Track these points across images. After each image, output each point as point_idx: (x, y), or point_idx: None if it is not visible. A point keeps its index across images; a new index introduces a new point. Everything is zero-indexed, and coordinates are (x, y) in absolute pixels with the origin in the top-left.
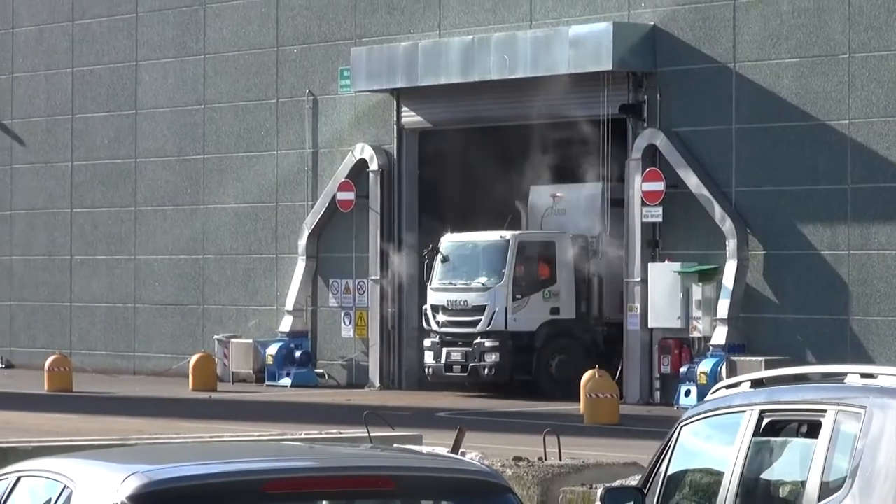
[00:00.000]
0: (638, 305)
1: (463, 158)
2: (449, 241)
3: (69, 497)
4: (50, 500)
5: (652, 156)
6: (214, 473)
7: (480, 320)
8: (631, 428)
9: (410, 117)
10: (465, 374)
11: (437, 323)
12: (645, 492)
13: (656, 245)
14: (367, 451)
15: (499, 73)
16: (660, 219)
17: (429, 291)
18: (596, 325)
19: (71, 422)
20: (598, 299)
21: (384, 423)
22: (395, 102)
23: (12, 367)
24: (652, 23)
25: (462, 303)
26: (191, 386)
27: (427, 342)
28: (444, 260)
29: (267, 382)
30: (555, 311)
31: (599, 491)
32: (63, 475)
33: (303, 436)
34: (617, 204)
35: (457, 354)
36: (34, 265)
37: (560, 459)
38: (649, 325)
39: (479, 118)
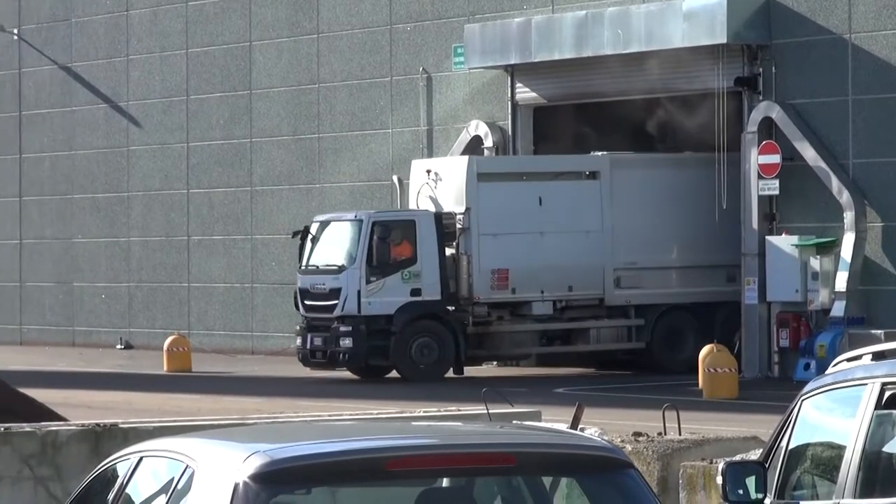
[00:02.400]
0: (755, 279)
1: (577, 133)
2: (317, 220)
3: (191, 476)
4: (172, 479)
5: (768, 129)
6: (335, 452)
7: (336, 304)
8: (750, 402)
9: (524, 93)
10: (325, 361)
11: (304, 307)
12: (766, 466)
13: (773, 218)
14: (487, 428)
15: (612, 47)
16: (776, 192)
17: (298, 274)
18: (466, 305)
19: (190, 402)
20: (468, 278)
21: (502, 400)
22: (509, 79)
23: (132, 348)
24: None
25: (321, 286)
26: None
27: (297, 327)
28: (314, 241)
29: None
30: (416, 292)
31: (720, 465)
32: (185, 455)
33: (422, 413)
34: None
35: (318, 340)
36: (152, 246)
37: (680, 434)
38: (767, 299)
39: (593, 93)
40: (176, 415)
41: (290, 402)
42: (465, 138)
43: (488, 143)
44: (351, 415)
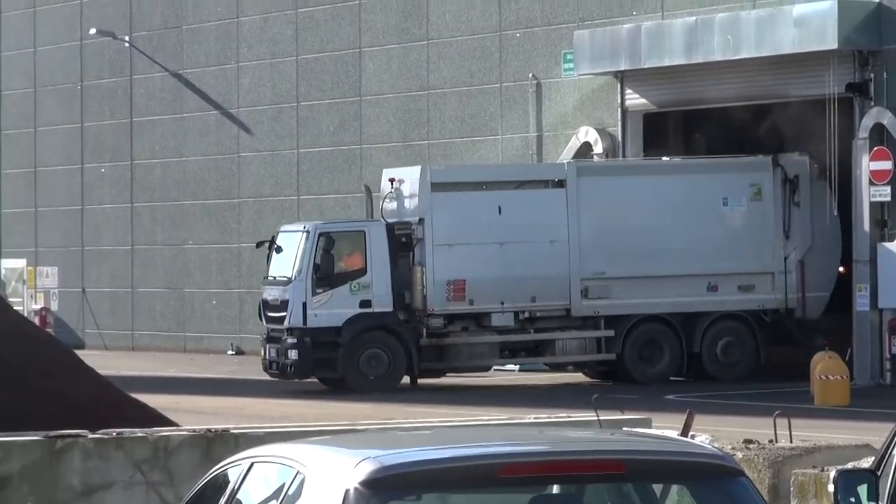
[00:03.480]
0: (867, 286)
1: (687, 139)
2: (280, 231)
3: (302, 482)
4: (283, 485)
5: (879, 135)
6: (446, 458)
7: (286, 316)
8: (862, 410)
9: (634, 99)
10: (278, 372)
11: (265, 318)
12: (878, 474)
13: (885, 225)
14: (598, 435)
15: (722, 53)
16: (888, 198)
17: (262, 285)
18: (422, 317)
19: (300, 407)
20: (422, 289)
21: (613, 407)
22: (618, 85)
23: (242, 354)
24: (877, 0)
25: (275, 298)
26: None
27: (260, 337)
28: (279, 251)
29: (495, 367)
30: (365, 303)
31: (832, 473)
32: (295, 461)
33: (532, 420)
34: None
35: (273, 351)
36: (262, 252)
37: (791, 442)
38: (879, 306)
39: (703, 99)
40: (286, 420)
41: (399, 407)
42: (574, 144)
43: (598, 149)
44: (461, 421)
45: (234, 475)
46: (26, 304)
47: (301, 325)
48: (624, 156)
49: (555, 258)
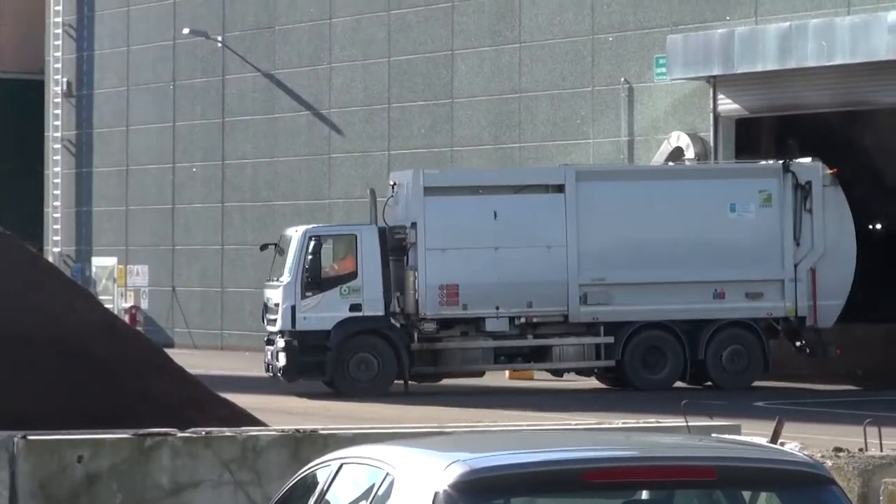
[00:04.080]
0: None
1: (779, 146)
2: (285, 233)
3: (391, 484)
4: (372, 486)
5: None
6: (535, 462)
7: (277, 319)
8: None
9: (726, 104)
10: (271, 375)
11: (266, 320)
12: None
13: None
14: (687, 441)
15: (816, 59)
16: None
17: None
18: (415, 322)
19: (389, 409)
20: (414, 294)
21: (702, 413)
22: (711, 90)
23: None
24: None
25: (271, 300)
26: (507, 374)
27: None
28: (281, 253)
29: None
30: (355, 307)
31: None
32: (385, 462)
33: (620, 424)
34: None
35: (269, 354)
36: None
37: (881, 450)
38: None
39: (796, 105)
40: (374, 422)
41: (488, 411)
42: (666, 149)
43: (689, 154)
44: (550, 425)
45: (323, 476)
46: (116, 302)
47: (290, 328)
48: (716, 160)
49: (552, 263)
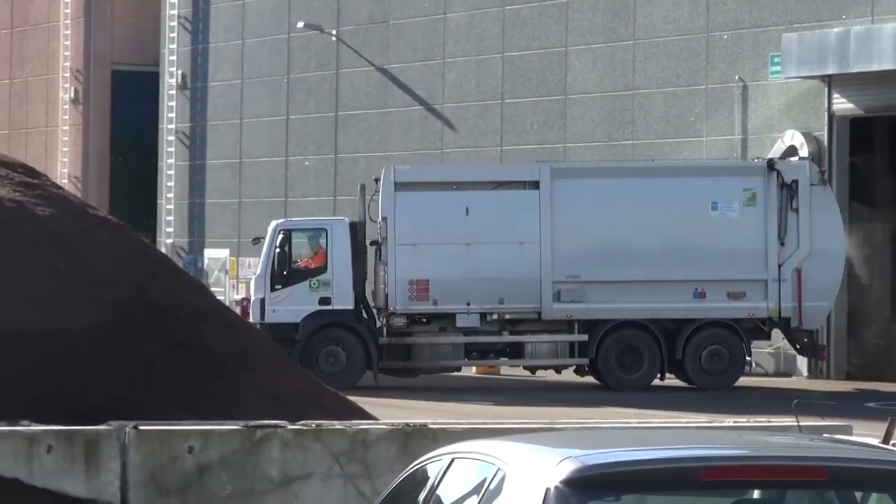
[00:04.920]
0: None
1: (894, 146)
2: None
3: (502, 479)
4: (483, 481)
5: None
6: (648, 459)
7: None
8: None
9: (841, 104)
10: None
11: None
12: None
13: None
14: (798, 441)
15: None
16: None
17: None
18: (384, 316)
19: (497, 405)
20: (384, 288)
21: (813, 413)
22: (826, 89)
23: None
24: None
25: (250, 293)
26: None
27: None
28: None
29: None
30: (325, 301)
31: None
32: (496, 457)
33: (731, 423)
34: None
35: None
36: None
37: None
38: None
39: None
40: (485, 417)
41: (597, 408)
42: (779, 148)
43: (803, 153)
44: (660, 423)
45: (434, 471)
46: (228, 294)
47: (260, 320)
48: (830, 161)
49: (525, 260)
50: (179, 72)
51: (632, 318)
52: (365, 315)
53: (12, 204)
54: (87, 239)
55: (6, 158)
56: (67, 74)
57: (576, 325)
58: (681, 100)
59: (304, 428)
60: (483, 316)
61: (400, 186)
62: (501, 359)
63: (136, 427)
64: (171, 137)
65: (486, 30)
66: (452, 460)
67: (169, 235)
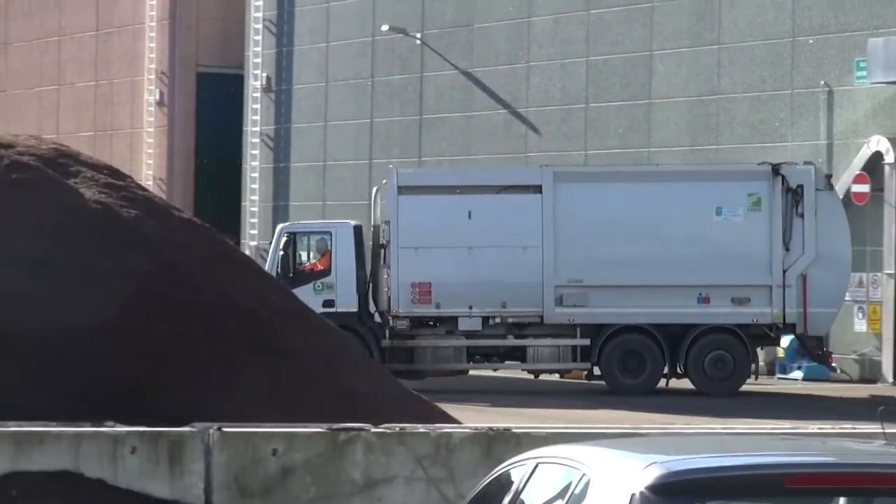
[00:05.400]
0: None
1: None
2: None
3: (587, 484)
4: (567, 486)
5: None
6: (733, 466)
7: None
8: None
9: None
10: None
11: None
12: None
13: None
14: (884, 449)
15: None
16: None
17: None
18: (387, 319)
19: (581, 409)
20: (387, 291)
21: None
22: None
23: None
24: None
25: None
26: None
27: None
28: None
29: (778, 375)
30: (328, 303)
31: None
32: (581, 462)
33: (815, 430)
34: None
35: None
36: None
37: None
38: None
39: None
40: (567, 422)
41: (680, 415)
42: (865, 154)
43: (889, 158)
44: (744, 429)
45: (518, 475)
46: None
47: None
48: None
49: (527, 264)
50: (264, 74)
51: (634, 323)
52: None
53: (98, 206)
54: (171, 241)
55: (92, 160)
56: (152, 76)
57: (578, 330)
58: (766, 105)
59: (388, 431)
60: (486, 319)
61: (403, 190)
62: (506, 362)
63: (220, 429)
64: (256, 140)
65: (571, 34)
66: (537, 465)
67: (253, 238)
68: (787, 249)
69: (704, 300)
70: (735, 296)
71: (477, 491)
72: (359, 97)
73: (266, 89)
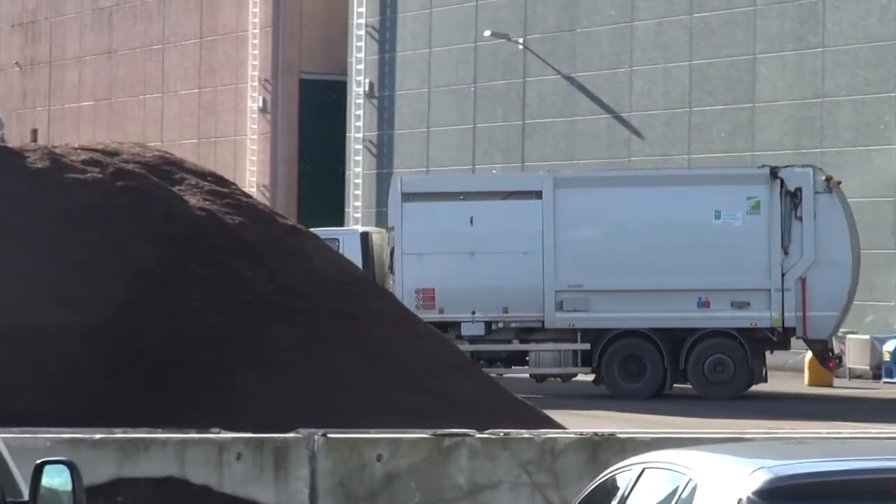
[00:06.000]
0: None
1: None
2: None
3: (693, 489)
4: (674, 492)
5: None
6: (839, 470)
7: None
8: None
9: None
10: None
11: None
12: None
13: None
14: None
15: None
16: None
17: None
18: None
19: (676, 415)
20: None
21: None
22: None
23: None
24: None
25: None
26: (806, 381)
27: None
28: None
29: (884, 379)
30: None
31: None
32: (687, 467)
33: None
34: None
35: None
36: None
37: None
38: None
39: None
40: (671, 427)
41: (785, 420)
42: None
43: None
44: (850, 433)
45: (624, 480)
46: None
47: None
48: None
49: (528, 270)
50: (367, 80)
51: (634, 328)
52: None
53: (202, 212)
54: (275, 248)
55: (196, 167)
56: (255, 84)
57: (579, 334)
58: (870, 107)
59: (493, 436)
60: (489, 324)
61: (407, 197)
62: (513, 367)
63: (324, 435)
64: (359, 146)
65: (674, 38)
66: (643, 470)
67: None
68: (786, 253)
69: (704, 304)
70: (734, 300)
71: (582, 496)
72: (461, 103)
73: (369, 95)
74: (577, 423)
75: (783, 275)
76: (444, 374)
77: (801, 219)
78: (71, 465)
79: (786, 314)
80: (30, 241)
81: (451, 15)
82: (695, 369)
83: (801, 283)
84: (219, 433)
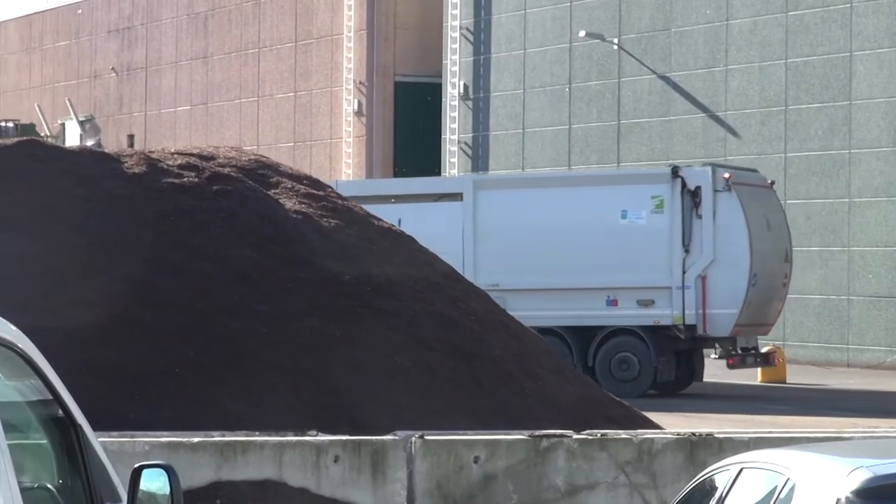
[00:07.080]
0: None
1: None
2: None
3: (792, 489)
4: (772, 491)
5: None
6: None
7: None
8: None
9: None
10: None
11: None
12: None
13: None
14: None
15: None
16: None
17: None
18: None
19: (785, 413)
20: None
21: None
22: None
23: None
24: None
25: None
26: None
27: None
28: None
29: None
30: None
31: None
32: (786, 467)
33: None
34: None
35: None
36: None
37: None
38: None
39: None
40: (769, 426)
41: (886, 418)
42: None
43: None
44: None
45: (722, 480)
46: None
47: None
48: None
49: None
50: (462, 82)
51: (548, 326)
52: None
53: (298, 215)
54: (372, 250)
55: (292, 170)
56: (351, 86)
57: None
58: None
59: (590, 437)
60: None
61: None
62: None
63: (422, 437)
64: (454, 148)
65: (769, 36)
66: (741, 470)
67: None
68: (688, 251)
69: (613, 302)
70: (640, 298)
71: (681, 496)
72: (556, 104)
73: (464, 97)
74: (674, 423)
75: (684, 273)
76: (540, 375)
77: (701, 217)
78: (169, 469)
79: (686, 312)
80: (127, 246)
81: (545, 16)
82: (601, 367)
83: (701, 280)
84: (316, 435)
